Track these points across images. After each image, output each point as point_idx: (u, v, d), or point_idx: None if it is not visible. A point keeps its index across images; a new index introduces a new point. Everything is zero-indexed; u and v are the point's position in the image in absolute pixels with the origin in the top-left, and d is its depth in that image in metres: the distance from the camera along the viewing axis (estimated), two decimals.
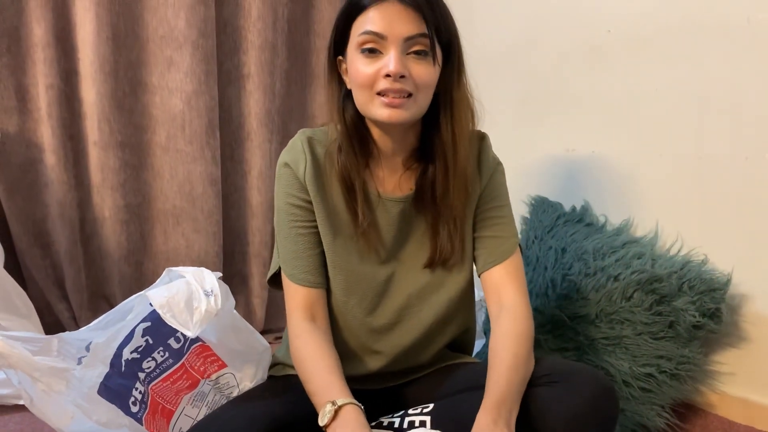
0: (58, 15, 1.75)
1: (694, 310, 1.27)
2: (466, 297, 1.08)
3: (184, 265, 1.94)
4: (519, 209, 1.66)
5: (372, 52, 0.92)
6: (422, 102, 0.95)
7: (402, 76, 0.91)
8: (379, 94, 0.92)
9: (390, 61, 0.90)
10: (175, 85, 1.87)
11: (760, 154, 1.29)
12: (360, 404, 0.87)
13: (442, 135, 0.99)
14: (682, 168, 1.42)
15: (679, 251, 1.41)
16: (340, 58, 0.99)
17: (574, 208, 1.62)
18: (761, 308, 1.32)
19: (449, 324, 1.08)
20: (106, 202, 1.84)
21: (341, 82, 1.00)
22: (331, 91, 1.01)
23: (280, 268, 1.04)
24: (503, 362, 0.91)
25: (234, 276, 2.06)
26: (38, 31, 1.71)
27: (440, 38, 0.95)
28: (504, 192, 1.08)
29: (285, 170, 1.02)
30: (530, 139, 1.78)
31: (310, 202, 1.01)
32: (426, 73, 0.93)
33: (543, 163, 1.76)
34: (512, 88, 1.81)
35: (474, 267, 1.09)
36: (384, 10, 0.91)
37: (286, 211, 1.02)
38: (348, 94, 0.99)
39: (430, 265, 1.04)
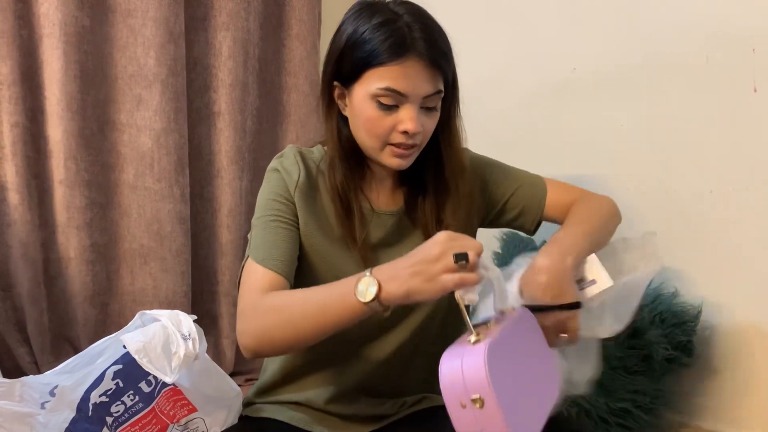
0: (25, 53, 1.73)
1: (666, 342, 1.28)
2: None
3: (151, 305, 1.90)
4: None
5: (389, 107, 0.92)
6: (423, 146, 0.99)
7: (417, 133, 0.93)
8: (390, 143, 0.94)
9: (410, 119, 0.92)
10: (144, 123, 1.85)
11: (724, 187, 1.32)
12: None
13: (444, 164, 1.02)
14: (649, 202, 1.45)
15: (649, 284, 1.42)
16: (336, 83, 0.98)
17: (545, 243, 1.63)
18: (732, 340, 1.33)
19: (437, 338, 1.04)
20: (71, 242, 1.80)
21: (335, 105, 1.00)
22: (327, 115, 1.01)
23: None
24: (576, 215, 1.02)
25: (203, 316, 2.02)
26: (3, 69, 1.69)
27: (448, 84, 0.97)
28: (496, 162, 1.15)
29: (275, 174, 1.01)
30: None
31: (295, 204, 0.99)
32: (433, 124, 0.97)
33: None
34: (481, 125, 1.83)
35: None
36: (407, 68, 0.90)
37: (268, 206, 0.99)
38: (341, 116, 1.00)
39: None
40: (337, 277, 0.96)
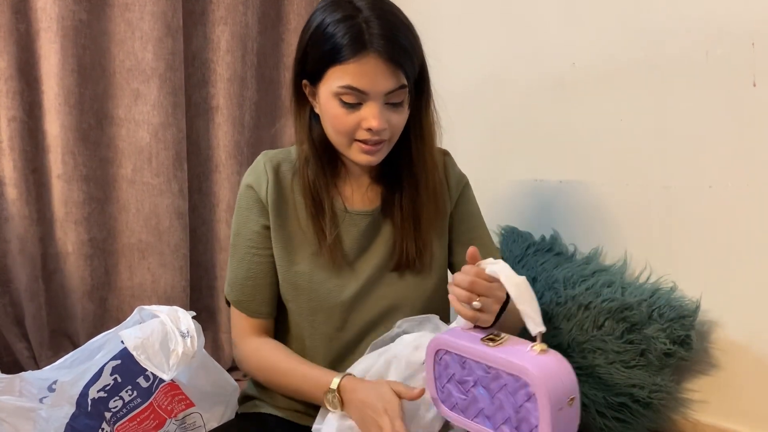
0: (22, 47, 1.72)
1: (664, 337, 1.28)
2: (435, 308, 1.07)
3: (150, 300, 1.90)
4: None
5: (352, 105, 0.92)
6: (394, 141, 0.99)
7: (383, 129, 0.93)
8: (357, 140, 0.95)
9: (373, 116, 0.92)
10: (142, 118, 1.85)
11: (723, 183, 1.32)
12: (348, 373, 0.93)
13: (414, 158, 1.02)
14: (649, 197, 1.45)
15: (648, 279, 1.42)
16: (305, 82, 0.98)
17: (543, 238, 1.63)
18: (730, 334, 1.33)
19: None
20: (69, 237, 1.79)
21: (307, 103, 1.00)
22: (297, 113, 1.02)
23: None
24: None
25: (201, 311, 2.02)
26: (1, 63, 1.68)
27: (413, 79, 0.96)
28: (476, 207, 1.14)
29: (247, 192, 1.02)
30: (499, 170, 1.80)
31: (269, 228, 1.00)
32: (401, 120, 0.97)
33: (512, 193, 1.77)
34: (481, 120, 1.83)
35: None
36: (365, 65, 0.90)
37: (244, 235, 1.01)
38: (313, 114, 1.00)
39: (397, 268, 1.04)
40: (306, 282, 1.00)
